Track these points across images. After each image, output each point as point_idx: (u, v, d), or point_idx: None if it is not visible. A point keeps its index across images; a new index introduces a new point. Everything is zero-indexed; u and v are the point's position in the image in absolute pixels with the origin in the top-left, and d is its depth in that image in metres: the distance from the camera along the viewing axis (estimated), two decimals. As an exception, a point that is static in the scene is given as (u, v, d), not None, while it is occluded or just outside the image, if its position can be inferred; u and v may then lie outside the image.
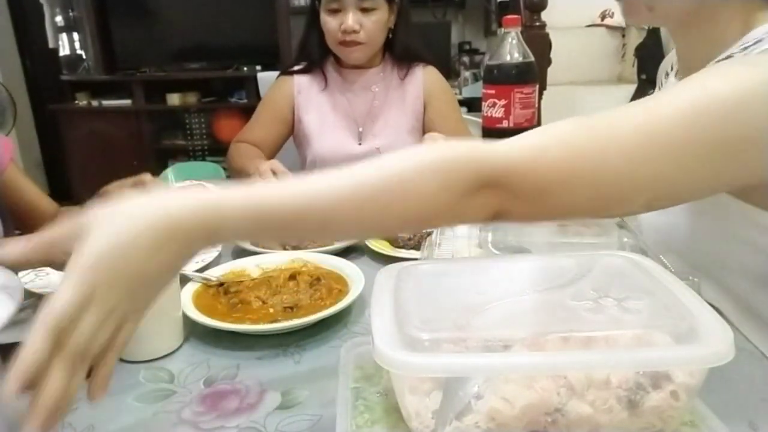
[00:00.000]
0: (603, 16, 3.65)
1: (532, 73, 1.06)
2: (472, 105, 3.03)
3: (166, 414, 0.53)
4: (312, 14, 1.39)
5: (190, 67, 3.71)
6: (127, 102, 3.71)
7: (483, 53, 3.65)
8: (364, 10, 1.31)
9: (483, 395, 0.41)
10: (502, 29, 1.07)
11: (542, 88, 2.41)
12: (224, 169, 2.00)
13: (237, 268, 0.79)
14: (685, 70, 0.73)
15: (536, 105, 1.09)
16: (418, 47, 1.45)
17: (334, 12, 1.31)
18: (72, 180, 3.72)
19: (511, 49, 1.05)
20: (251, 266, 0.79)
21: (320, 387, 0.57)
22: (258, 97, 1.70)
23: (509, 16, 1.05)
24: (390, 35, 1.39)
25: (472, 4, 3.69)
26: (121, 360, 0.62)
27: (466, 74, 3.55)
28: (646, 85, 3.15)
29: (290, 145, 1.49)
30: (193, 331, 0.67)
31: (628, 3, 0.70)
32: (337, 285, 0.72)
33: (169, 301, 0.63)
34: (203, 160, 3.65)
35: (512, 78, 1.05)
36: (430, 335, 0.42)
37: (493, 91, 1.07)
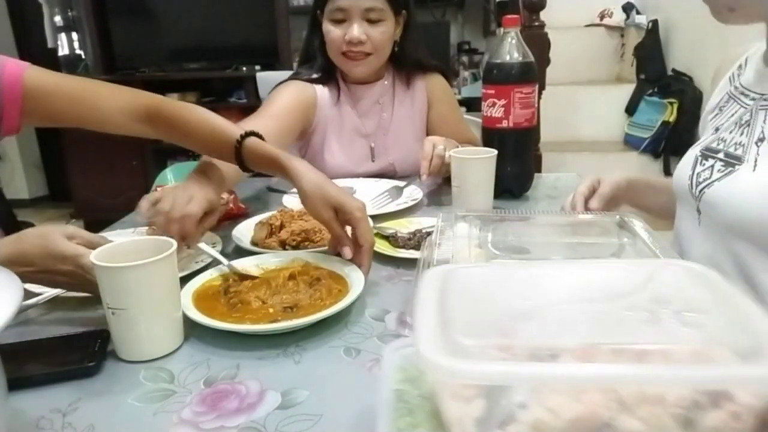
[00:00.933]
0: (602, 16, 3.65)
1: (532, 73, 1.06)
2: (471, 105, 3.03)
3: (166, 414, 0.53)
4: (313, 23, 1.32)
5: (189, 67, 3.71)
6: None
7: (482, 53, 3.65)
8: (370, 21, 1.24)
9: (528, 405, 0.39)
10: (502, 29, 1.07)
11: (541, 87, 2.41)
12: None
13: (238, 267, 0.79)
14: None
15: (536, 105, 1.09)
16: (426, 59, 1.40)
17: (339, 22, 1.25)
18: (71, 180, 3.72)
19: (511, 48, 1.05)
20: (251, 266, 0.79)
21: (320, 387, 0.57)
22: (257, 97, 1.69)
23: (509, 16, 1.05)
24: (396, 48, 1.33)
25: (471, 4, 3.69)
26: (121, 360, 0.62)
27: (465, 74, 3.55)
28: (644, 84, 3.16)
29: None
30: (193, 331, 0.67)
31: (713, 4, 0.74)
32: (336, 285, 0.72)
33: (169, 301, 0.63)
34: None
35: (512, 78, 1.05)
36: (474, 341, 0.40)
37: (492, 91, 1.07)
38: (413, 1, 1.33)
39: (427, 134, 1.39)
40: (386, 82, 1.38)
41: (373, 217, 0.98)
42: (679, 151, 2.97)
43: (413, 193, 1.15)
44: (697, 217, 0.82)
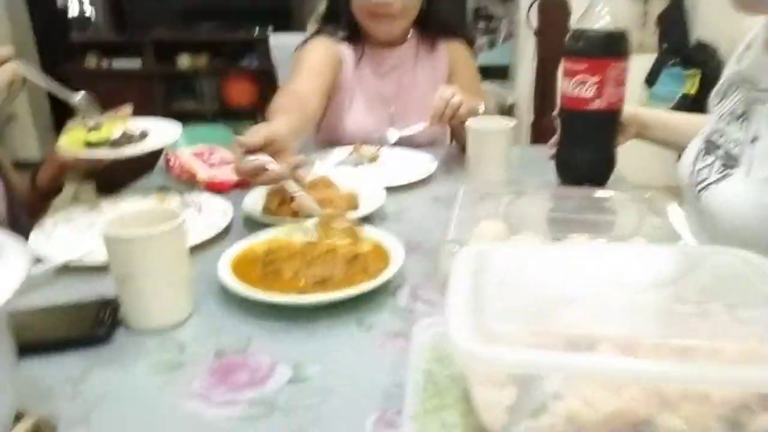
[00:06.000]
0: (625, -19, 3.53)
1: (626, 45, 0.90)
2: (487, 72, 2.97)
3: (176, 386, 0.53)
4: None
5: (200, 28, 3.65)
6: (137, 63, 3.67)
7: (499, 18, 3.56)
8: None
9: (562, 395, 0.37)
10: None
11: (560, 57, 2.35)
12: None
13: (277, 236, 0.77)
14: None
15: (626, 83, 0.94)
16: (454, 21, 1.36)
17: None
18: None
19: (604, 15, 0.89)
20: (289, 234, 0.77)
21: (332, 361, 0.56)
22: (269, 61, 1.66)
23: None
24: (422, 10, 1.29)
25: (489, -32, 3.58)
26: (132, 329, 0.61)
27: (482, 40, 3.47)
28: (666, 55, 3.06)
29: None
30: (206, 300, 0.66)
31: None
32: (375, 263, 0.69)
33: (178, 270, 0.62)
34: (213, 123, 3.63)
35: (609, 49, 0.89)
36: (507, 327, 0.39)
37: (584, 65, 0.89)
38: None
39: None
40: (410, 46, 1.35)
41: (389, 188, 0.96)
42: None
43: (428, 163, 1.12)
44: (696, 213, 0.81)
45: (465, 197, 0.74)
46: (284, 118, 0.93)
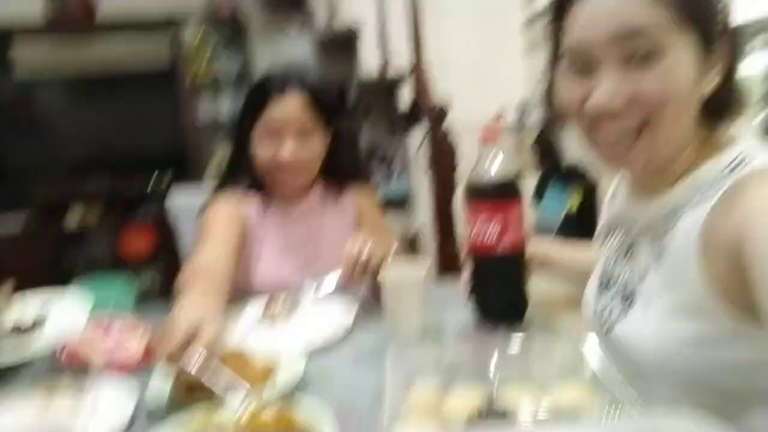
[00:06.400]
0: (499, 114, 3.94)
1: (521, 189, 0.96)
2: (388, 204, 3.08)
3: None
4: (240, 133, 1.29)
5: (92, 180, 3.54)
6: (20, 224, 3.45)
7: (392, 155, 3.78)
8: (302, 138, 1.24)
9: None
10: (484, 144, 0.95)
11: (453, 189, 2.50)
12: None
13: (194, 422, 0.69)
14: (639, 191, 0.81)
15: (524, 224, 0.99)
16: (355, 170, 1.43)
17: (269, 138, 1.24)
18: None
19: (496, 163, 0.94)
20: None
21: None
22: (166, 211, 1.62)
23: (488, 131, 0.95)
24: (325, 159, 1.33)
25: (377, 111, 3.85)
26: None
27: (378, 176, 3.64)
28: (546, 175, 3.37)
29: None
30: None
31: (623, 156, 0.73)
32: None
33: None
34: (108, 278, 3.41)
35: (503, 195, 0.93)
36: None
37: (485, 211, 0.93)
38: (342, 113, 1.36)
39: None
40: (316, 194, 1.37)
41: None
42: (586, 236, 3.15)
43: (346, 315, 1.09)
44: (607, 350, 0.83)
45: (393, 360, 0.72)
46: (198, 299, 0.91)
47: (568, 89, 0.74)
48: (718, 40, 0.70)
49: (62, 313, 0.88)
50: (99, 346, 0.97)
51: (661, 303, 0.73)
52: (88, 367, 0.93)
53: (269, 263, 1.30)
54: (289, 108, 1.23)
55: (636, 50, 0.67)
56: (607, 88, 0.69)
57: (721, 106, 0.72)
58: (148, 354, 0.97)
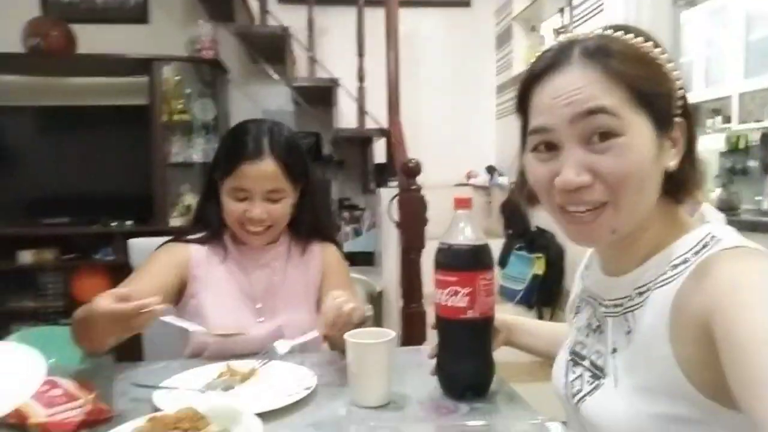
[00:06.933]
0: (469, 176, 4.01)
1: (491, 257, 0.96)
2: (354, 259, 3.06)
3: None
4: (208, 186, 1.33)
5: (48, 221, 3.42)
6: (-32, 260, 3.29)
7: (362, 209, 3.79)
8: (273, 199, 1.26)
9: None
10: (456, 210, 0.96)
11: (421, 246, 2.50)
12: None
13: None
14: (609, 268, 0.82)
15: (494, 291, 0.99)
16: (323, 225, 1.44)
17: (240, 194, 1.25)
18: None
19: (467, 231, 0.95)
20: None
21: None
22: (126, 255, 1.56)
23: (461, 197, 0.96)
24: (294, 215, 1.34)
25: (350, 164, 3.89)
26: None
27: (347, 229, 3.63)
28: (513, 239, 3.41)
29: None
30: None
31: (591, 228, 0.74)
32: None
33: None
34: (55, 323, 3.25)
35: (475, 264, 0.94)
36: None
37: (454, 278, 0.93)
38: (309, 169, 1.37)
39: (318, 305, 1.35)
40: (281, 247, 1.37)
41: (262, 414, 0.87)
42: (551, 301, 3.18)
43: (306, 378, 1.05)
44: (577, 425, 0.82)
45: (355, 427, 0.68)
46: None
47: (536, 170, 0.77)
48: (674, 118, 0.73)
49: (13, 371, 0.82)
50: (37, 404, 0.90)
51: (630, 381, 0.72)
52: (24, 424, 0.86)
53: (224, 309, 1.28)
54: (261, 173, 1.24)
55: (595, 130, 0.70)
56: (572, 166, 0.71)
57: (682, 182, 0.75)
58: (93, 418, 0.90)
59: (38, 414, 0.88)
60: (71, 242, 3.44)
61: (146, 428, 0.79)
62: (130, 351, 1.39)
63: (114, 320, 0.94)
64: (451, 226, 0.96)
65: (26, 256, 3.35)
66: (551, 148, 0.74)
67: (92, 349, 1.09)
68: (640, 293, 0.74)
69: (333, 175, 3.85)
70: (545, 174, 0.75)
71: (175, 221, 3.36)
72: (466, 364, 0.98)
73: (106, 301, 0.94)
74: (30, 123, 3.48)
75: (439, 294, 0.95)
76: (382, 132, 3.42)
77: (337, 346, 1.20)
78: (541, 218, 3.35)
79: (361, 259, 3.44)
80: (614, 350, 0.76)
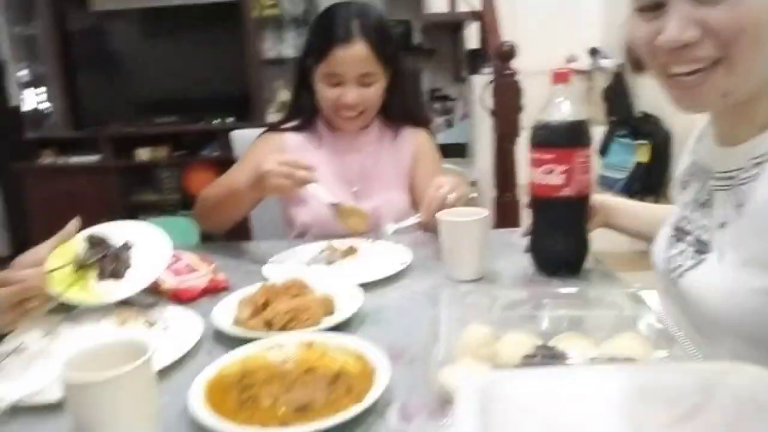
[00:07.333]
0: (569, 60, 3.74)
1: (589, 134, 0.94)
2: (447, 151, 3.03)
3: None
4: (301, 74, 1.34)
5: (159, 121, 3.66)
6: (94, 158, 3.63)
7: (454, 99, 3.70)
8: (365, 83, 1.27)
9: None
10: (554, 85, 0.92)
11: (516, 134, 2.42)
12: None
13: (252, 355, 0.72)
14: (723, 137, 0.77)
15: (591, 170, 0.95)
16: (415, 111, 1.43)
17: (333, 80, 1.27)
18: (38, 242, 3.57)
19: (565, 106, 0.91)
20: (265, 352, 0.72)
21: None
22: (230, 151, 1.65)
23: (559, 71, 0.92)
24: (385, 99, 1.34)
25: (441, 52, 3.75)
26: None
27: (439, 120, 3.58)
28: (615, 126, 3.21)
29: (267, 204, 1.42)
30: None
31: (699, 92, 0.69)
32: (358, 383, 0.65)
33: (145, 402, 0.56)
34: (174, 215, 3.56)
35: (572, 139, 0.91)
36: None
37: (550, 155, 0.91)
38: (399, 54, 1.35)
39: (410, 189, 1.40)
40: (373, 131, 1.40)
41: (365, 284, 0.93)
42: (655, 190, 3.02)
43: (402, 255, 1.09)
44: (675, 300, 0.80)
45: (448, 301, 0.72)
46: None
47: (639, 29, 0.71)
48: None
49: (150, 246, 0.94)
50: (167, 273, 1.01)
51: (737, 255, 0.69)
52: (158, 290, 0.98)
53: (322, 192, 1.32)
54: (353, 57, 1.24)
55: None
56: (677, 23, 0.66)
57: None
58: (214, 286, 1.01)
59: (169, 281, 0.99)
60: (180, 140, 3.68)
61: (259, 294, 0.87)
62: (241, 232, 1.52)
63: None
64: (548, 102, 0.92)
65: (143, 154, 3.64)
66: (658, 6, 0.68)
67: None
68: (757, 164, 0.69)
69: (424, 65, 3.75)
70: (650, 32, 0.69)
71: (273, 117, 3.47)
72: (561, 240, 0.97)
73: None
74: (134, 26, 3.63)
75: (534, 172, 0.93)
76: (474, 15, 3.23)
77: (433, 230, 1.22)
78: (646, 102, 3.11)
79: (454, 151, 3.40)
80: (722, 224, 0.73)
